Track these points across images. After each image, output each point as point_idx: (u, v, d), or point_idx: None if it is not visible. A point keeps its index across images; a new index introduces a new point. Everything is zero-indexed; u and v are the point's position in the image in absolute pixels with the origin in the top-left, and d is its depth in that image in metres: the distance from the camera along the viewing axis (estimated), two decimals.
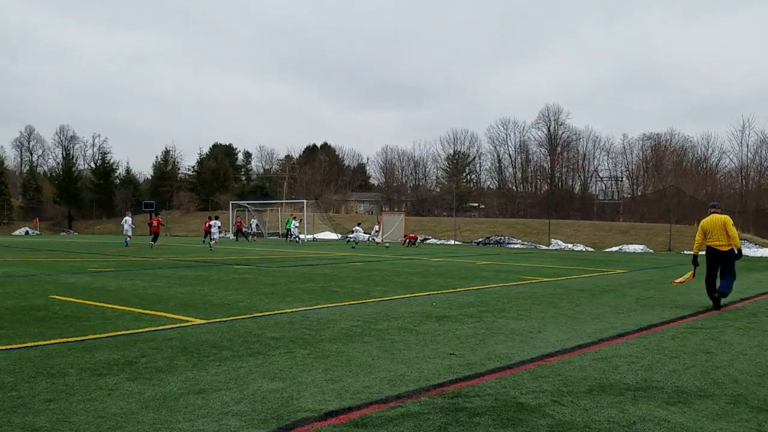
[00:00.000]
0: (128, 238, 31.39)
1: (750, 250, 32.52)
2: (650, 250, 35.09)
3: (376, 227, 38.48)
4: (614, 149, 67.31)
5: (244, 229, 43.28)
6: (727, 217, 10.44)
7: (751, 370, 5.58)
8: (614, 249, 36.09)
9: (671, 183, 48.41)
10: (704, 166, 59.62)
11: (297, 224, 39.32)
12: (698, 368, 5.63)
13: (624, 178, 66.02)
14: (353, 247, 32.25)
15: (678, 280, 11.39)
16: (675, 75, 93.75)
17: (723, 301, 10.34)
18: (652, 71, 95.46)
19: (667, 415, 4.22)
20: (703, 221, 10.63)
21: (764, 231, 35.72)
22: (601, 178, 67.18)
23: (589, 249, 36.49)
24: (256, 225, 48.47)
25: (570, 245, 37.84)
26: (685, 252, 33.48)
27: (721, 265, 10.32)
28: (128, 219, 32.27)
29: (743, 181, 54.94)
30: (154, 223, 31.59)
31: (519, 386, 4.93)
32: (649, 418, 4.17)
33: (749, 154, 56.65)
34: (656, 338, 7.14)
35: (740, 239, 36.00)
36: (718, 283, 10.22)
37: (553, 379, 5.16)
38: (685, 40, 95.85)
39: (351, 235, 35.48)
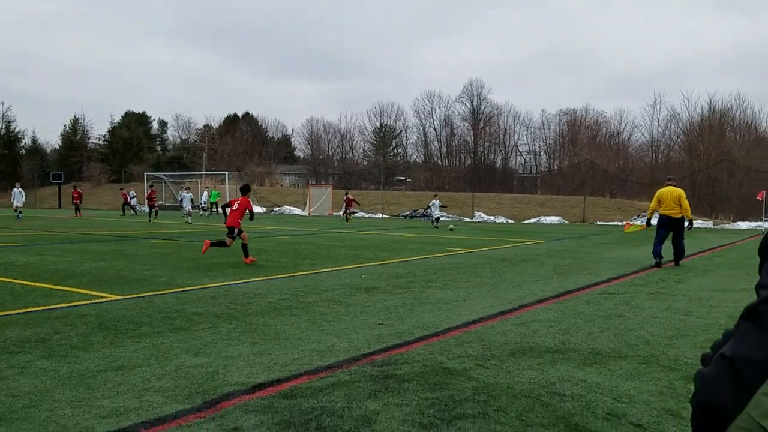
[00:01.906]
0: (20, 213, 29.98)
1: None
2: (566, 222, 36.64)
3: (436, 202, 28.53)
4: (533, 124, 69.55)
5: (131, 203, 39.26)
6: (681, 191, 11.91)
7: (661, 332, 5.94)
8: (533, 221, 37.43)
9: (586, 157, 50.55)
10: (617, 141, 62.45)
11: (190, 195, 32.76)
12: (612, 331, 5.93)
13: (542, 153, 68.30)
14: (436, 227, 26.23)
15: (629, 227, 12.64)
16: (592, 52, 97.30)
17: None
18: (569, 49, 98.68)
19: (584, 376, 4.42)
20: (660, 191, 12.03)
21: None
22: (521, 152, 69.20)
23: (510, 221, 37.68)
24: (135, 197, 42.01)
25: (492, 217, 38.93)
26: (598, 222, 35.17)
27: (674, 230, 11.79)
28: (16, 191, 30.59)
29: (653, 154, 58.06)
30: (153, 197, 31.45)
31: (446, 352, 5.03)
32: (567, 378, 4.36)
33: (659, 129, 59.89)
34: (572, 303, 7.47)
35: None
36: (669, 249, 11.83)
37: (477, 345, 5.30)
38: (601, 19, 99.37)
39: (433, 212, 28.06)
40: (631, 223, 12.96)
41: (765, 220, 30.23)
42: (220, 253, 13.17)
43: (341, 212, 31.96)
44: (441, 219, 29.56)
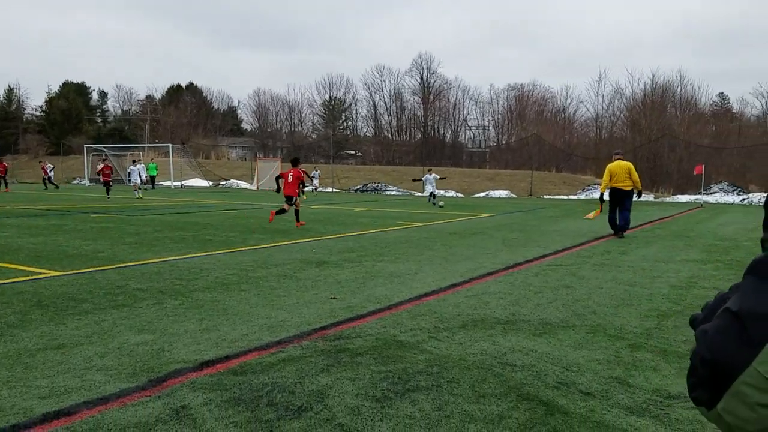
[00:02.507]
0: None
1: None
2: (514, 195, 37.28)
3: (429, 176, 24.64)
4: (482, 99, 69.91)
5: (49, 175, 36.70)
6: (630, 164, 12.56)
7: (607, 302, 6.09)
8: (482, 195, 37.93)
9: (533, 132, 51.36)
10: (563, 116, 63.63)
11: (138, 168, 29.29)
12: (560, 301, 6.04)
13: (491, 127, 69.01)
14: (439, 204, 22.52)
15: (589, 216, 13.13)
16: (540, 27, 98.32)
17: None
18: (518, 24, 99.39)
19: (534, 346, 4.49)
20: (611, 165, 12.50)
21: None
22: (470, 127, 69.76)
23: (460, 195, 38.07)
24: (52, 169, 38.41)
25: (442, 191, 39.16)
26: (545, 196, 35.91)
27: (621, 202, 12.36)
28: None
29: (598, 130, 59.43)
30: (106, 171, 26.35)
31: (398, 325, 5.02)
32: (518, 348, 4.41)
33: (604, 105, 61.27)
34: (522, 275, 7.58)
35: (594, 184, 39.04)
36: (618, 219, 12.42)
37: (429, 317, 5.31)
38: None
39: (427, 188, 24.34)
40: (589, 216, 13.62)
41: (703, 194, 31.52)
42: (166, 228, 12.80)
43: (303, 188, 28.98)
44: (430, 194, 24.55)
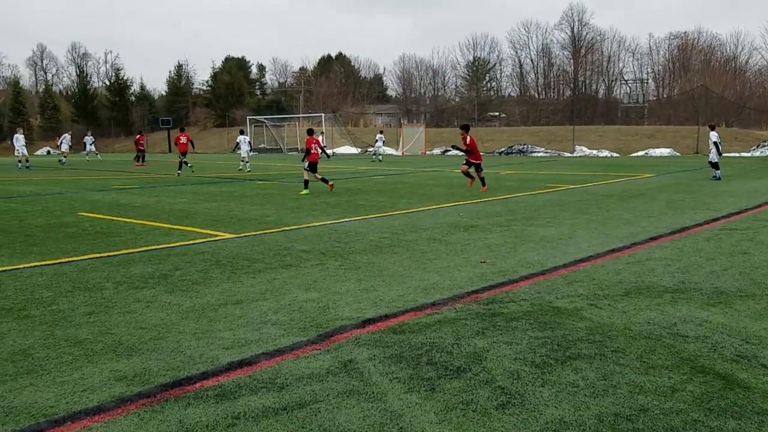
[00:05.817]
0: (24, 164, 26.93)
1: None
2: (677, 154, 34.40)
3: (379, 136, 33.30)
4: (640, 50, 64.71)
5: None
6: None
7: None
8: (640, 153, 35.44)
9: (699, 84, 46.65)
10: (733, 65, 57.05)
11: (247, 138, 25.79)
12: (736, 269, 5.52)
13: (649, 80, 63.73)
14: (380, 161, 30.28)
15: None
16: None
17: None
18: None
19: (708, 316, 4.16)
20: None
21: None
22: (626, 80, 64.95)
23: (615, 154, 35.88)
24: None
25: (594, 151, 37.19)
26: None
27: None
28: (20, 137, 27.06)
29: None
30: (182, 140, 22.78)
31: (554, 291, 4.89)
32: (689, 318, 4.11)
33: None
34: (690, 240, 7.02)
35: None
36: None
37: (587, 284, 5.11)
38: None
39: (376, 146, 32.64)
40: None
41: None
42: (322, 194, 13.48)
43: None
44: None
